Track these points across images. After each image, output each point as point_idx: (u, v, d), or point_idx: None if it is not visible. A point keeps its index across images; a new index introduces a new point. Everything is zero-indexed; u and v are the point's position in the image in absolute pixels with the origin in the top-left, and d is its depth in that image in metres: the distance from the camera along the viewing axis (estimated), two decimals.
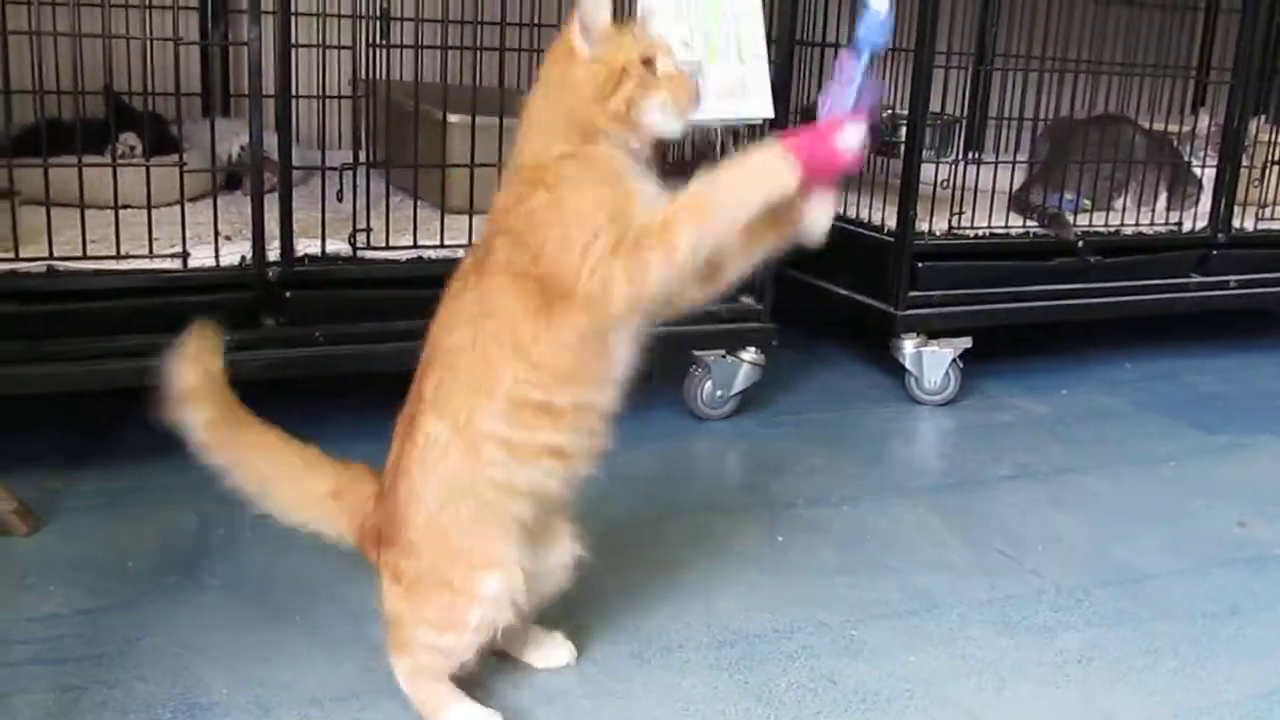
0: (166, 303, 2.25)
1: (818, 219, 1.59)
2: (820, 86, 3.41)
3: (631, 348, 1.55)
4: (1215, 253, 3.43)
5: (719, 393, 2.81)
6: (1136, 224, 3.31)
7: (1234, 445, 2.91)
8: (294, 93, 2.27)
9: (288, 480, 1.65)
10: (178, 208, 2.25)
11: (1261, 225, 3.49)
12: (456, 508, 1.53)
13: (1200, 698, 1.80)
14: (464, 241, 2.46)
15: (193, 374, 1.63)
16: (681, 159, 3.12)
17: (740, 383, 2.82)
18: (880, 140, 3.28)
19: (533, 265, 1.47)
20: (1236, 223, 3.45)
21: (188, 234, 2.25)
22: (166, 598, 1.88)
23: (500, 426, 1.51)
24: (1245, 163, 3.45)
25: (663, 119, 1.52)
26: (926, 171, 2.98)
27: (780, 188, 1.47)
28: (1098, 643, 1.94)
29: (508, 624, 1.58)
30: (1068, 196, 3.26)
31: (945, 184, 3.00)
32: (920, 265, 2.97)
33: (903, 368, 3.04)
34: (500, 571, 1.54)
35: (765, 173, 1.48)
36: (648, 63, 1.51)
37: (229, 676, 1.70)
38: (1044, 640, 1.93)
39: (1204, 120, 3.62)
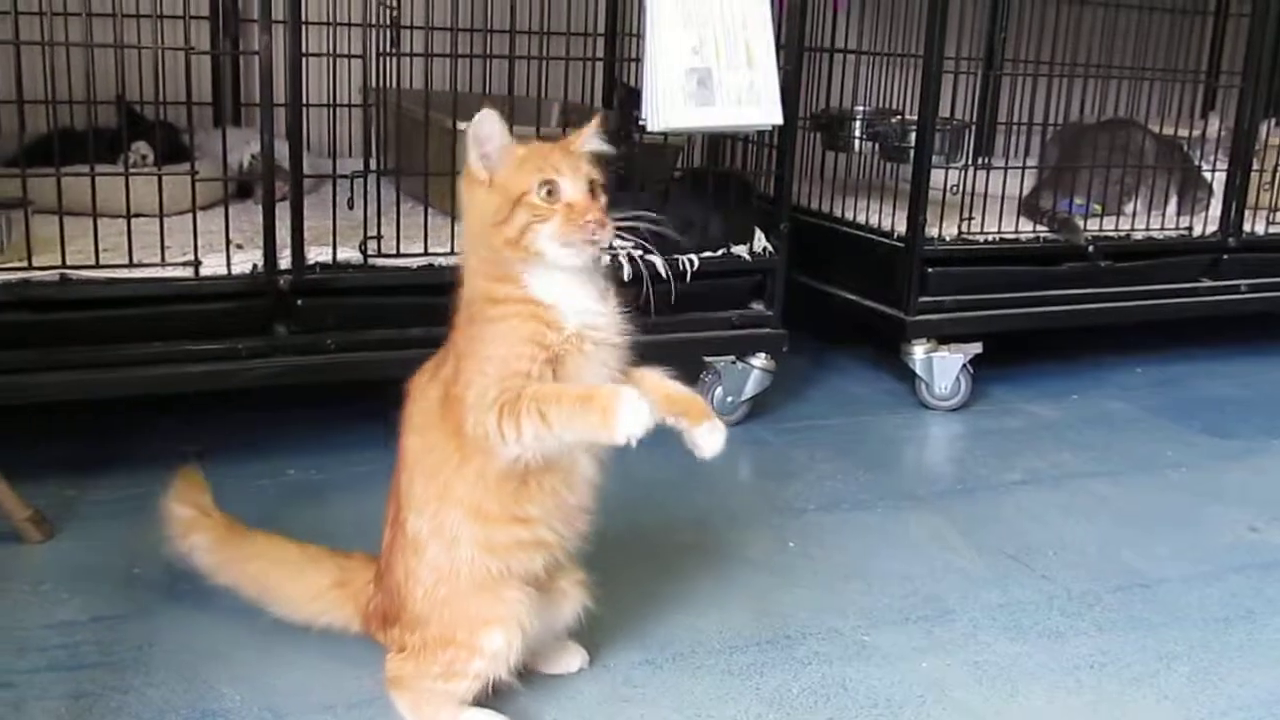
0: (179, 311, 2.26)
1: (709, 444, 1.61)
2: (829, 93, 3.42)
3: (579, 462, 1.57)
4: (1226, 257, 3.42)
5: (729, 399, 2.81)
6: (1147, 228, 3.31)
7: (1246, 450, 2.90)
8: (305, 101, 2.28)
9: (293, 580, 1.72)
10: (189, 216, 2.26)
11: (1272, 229, 3.48)
12: (452, 583, 1.57)
13: (1213, 703, 1.80)
14: None
15: (186, 512, 1.74)
16: (692, 167, 3.13)
17: (751, 389, 2.83)
18: (890, 146, 3.28)
19: (453, 387, 1.51)
20: (1247, 227, 3.45)
21: (199, 242, 2.26)
22: (180, 604, 1.88)
23: (467, 529, 1.55)
24: (1256, 167, 3.44)
25: (557, 251, 1.46)
26: (936, 177, 2.98)
27: (604, 438, 1.43)
28: (1110, 648, 1.93)
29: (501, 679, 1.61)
30: (1078, 201, 3.26)
31: (955, 189, 3.00)
32: (930, 271, 2.97)
33: (913, 373, 3.04)
34: (502, 628, 1.57)
35: (602, 417, 1.41)
36: (547, 186, 1.45)
37: (241, 683, 1.70)
38: (1056, 645, 1.93)
39: (1214, 124, 3.62)
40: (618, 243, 1.53)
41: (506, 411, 1.44)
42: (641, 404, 1.41)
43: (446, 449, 1.54)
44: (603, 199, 1.50)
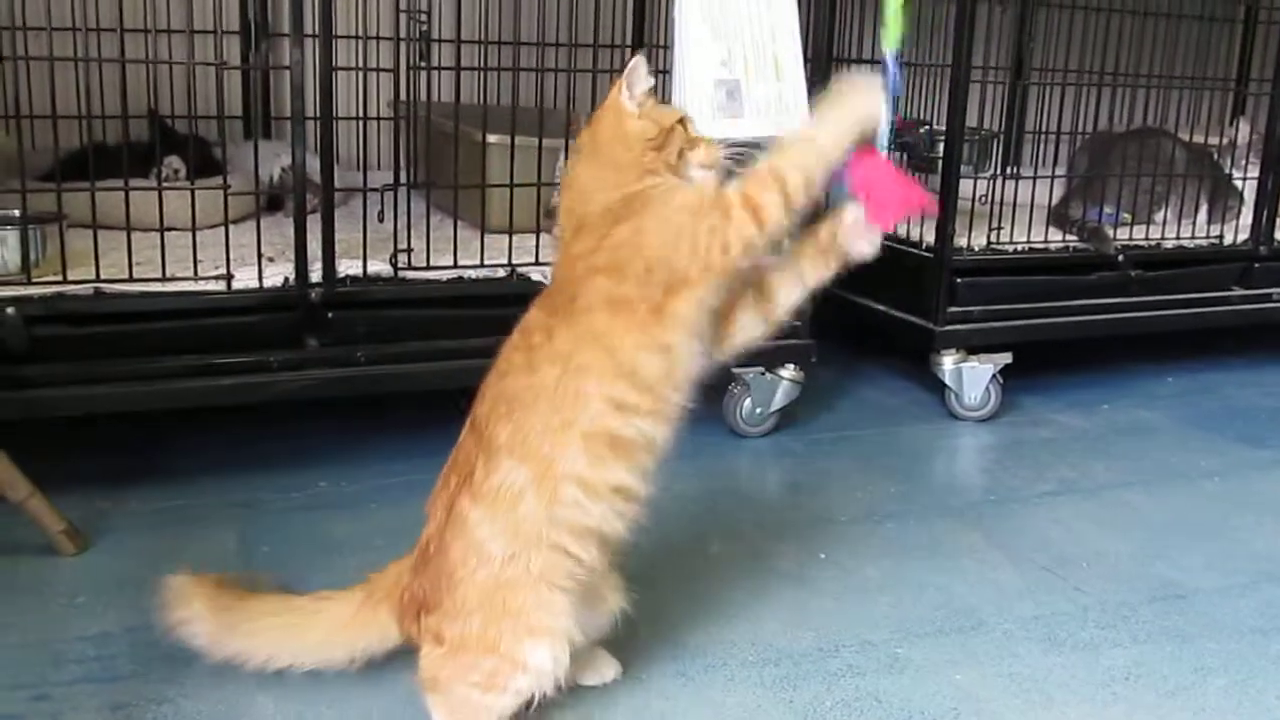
0: (211, 324, 2.28)
1: (863, 243, 1.73)
2: None
3: (700, 362, 1.63)
4: (1257, 265, 3.40)
5: (758, 410, 2.81)
6: (1177, 237, 3.30)
7: (1279, 460, 2.88)
8: (335, 115, 2.29)
9: (309, 620, 1.69)
10: (221, 230, 2.28)
11: None
12: (525, 560, 1.54)
13: (1251, 716, 1.78)
14: (503, 261, 2.47)
15: (190, 598, 1.69)
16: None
17: (779, 400, 2.82)
18: (918, 156, 3.27)
19: (642, 282, 1.56)
20: (1279, 235, 3.42)
21: (231, 256, 2.27)
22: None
23: (579, 465, 1.54)
24: None
25: (700, 174, 1.68)
26: (965, 187, 2.97)
27: (868, 119, 1.64)
28: (1145, 660, 1.92)
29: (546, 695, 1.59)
30: (1107, 210, 3.25)
31: (984, 199, 2.99)
32: (959, 281, 2.97)
33: (942, 384, 3.03)
34: (549, 641, 1.55)
35: (852, 107, 1.64)
36: (683, 124, 1.68)
37: (275, 695, 1.71)
38: (1090, 658, 1.92)
39: (1244, 131, 3.60)
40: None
41: (748, 194, 1.58)
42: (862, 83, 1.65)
43: (601, 355, 1.54)
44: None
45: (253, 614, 1.68)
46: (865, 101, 1.65)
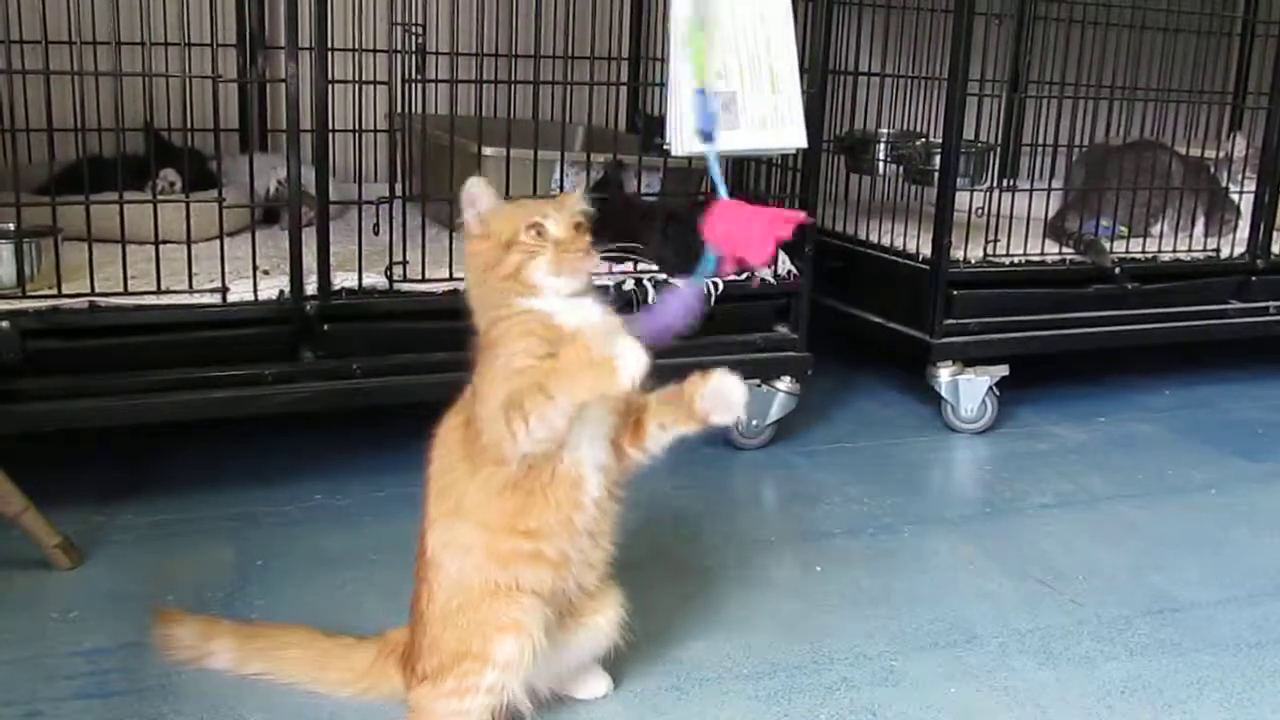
0: (206, 337, 2.27)
1: (722, 414, 1.61)
2: (853, 116, 3.42)
3: (588, 479, 1.60)
4: (1254, 278, 3.40)
5: (754, 422, 2.81)
6: (1174, 250, 3.30)
7: (1276, 473, 2.88)
8: (331, 127, 2.29)
9: (334, 664, 1.74)
10: (217, 243, 2.28)
11: None
12: (464, 595, 1.59)
13: None
14: None
15: (190, 630, 1.77)
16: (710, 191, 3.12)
17: (776, 412, 2.82)
18: (915, 169, 3.27)
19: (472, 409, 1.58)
20: (1276, 248, 3.43)
21: (227, 269, 2.27)
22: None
23: (477, 537, 1.58)
24: None
25: (550, 280, 1.57)
26: (961, 199, 2.98)
27: (610, 386, 1.46)
28: (1140, 674, 1.91)
29: (514, 694, 1.60)
30: (1104, 223, 3.25)
31: (980, 211, 2.99)
32: (956, 293, 2.97)
33: (939, 396, 3.03)
34: (514, 635, 1.57)
35: (600, 368, 1.45)
36: (535, 228, 1.57)
37: (268, 710, 1.70)
38: (1086, 671, 1.92)
39: (1240, 145, 3.60)
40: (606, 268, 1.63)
41: (513, 404, 1.49)
42: (635, 344, 1.45)
43: (460, 468, 1.59)
44: (588, 235, 1.61)
45: (279, 644, 1.76)
46: (616, 364, 1.45)
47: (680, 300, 1.67)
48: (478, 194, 1.60)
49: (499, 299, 1.58)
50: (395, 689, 1.69)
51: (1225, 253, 3.37)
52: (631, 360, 1.44)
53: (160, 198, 2.30)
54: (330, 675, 1.73)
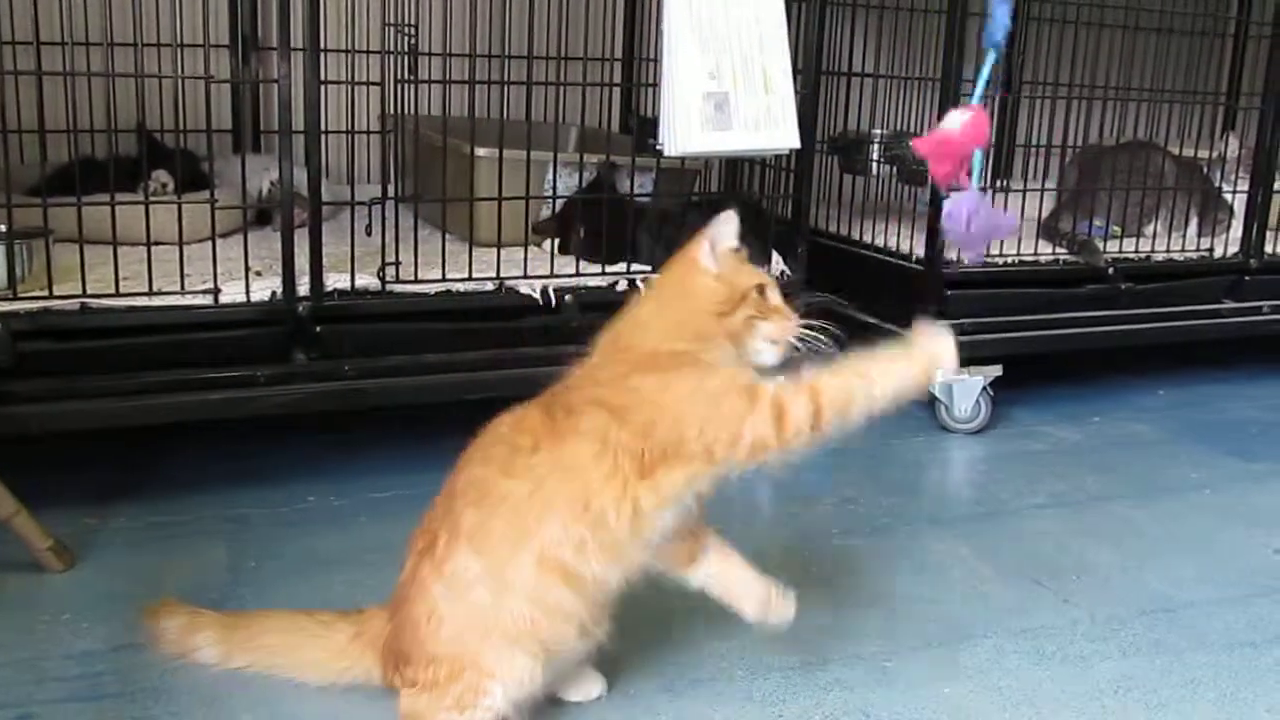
0: (198, 339, 2.27)
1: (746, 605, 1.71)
2: (847, 116, 3.42)
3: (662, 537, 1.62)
4: (1247, 278, 3.40)
5: None
6: (1167, 250, 3.30)
7: (1270, 472, 2.88)
8: (323, 128, 2.29)
9: (312, 642, 1.71)
10: (209, 244, 2.27)
11: None
12: (484, 631, 1.56)
13: None
14: (491, 274, 2.47)
15: (177, 621, 1.75)
16: (709, 191, 3.13)
17: None
18: (908, 168, 3.28)
19: (641, 436, 1.53)
20: (1269, 248, 3.43)
21: (219, 270, 2.27)
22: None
23: (529, 583, 1.54)
24: (1277, 188, 3.42)
25: (766, 348, 1.62)
26: None
27: (932, 376, 1.61)
28: (1134, 673, 1.91)
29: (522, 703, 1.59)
30: (1097, 223, 3.25)
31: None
32: (950, 293, 2.97)
33: (933, 396, 3.03)
34: (529, 660, 1.56)
35: (926, 360, 1.60)
36: (761, 290, 1.61)
37: (263, 712, 1.69)
38: (1079, 671, 1.91)
39: (1233, 145, 3.61)
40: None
41: (807, 397, 1.53)
42: (940, 334, 1.59)
43: (575, 490, 1.54)
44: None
45: (259, 630, 1.73)
46: (934, 357, 1.60)
47: (970, 208, 1.68)
48: (728, 233, 1.61)
49: (703, 338, 1.59)
50: (370, 677, 1.67)
51: (1219, 253, 3.38)
52: (952, 348, 1.59)
53: (152, 199, 2.30)
54: (308, 656, 1.70)
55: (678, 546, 1.67)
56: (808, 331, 1.63)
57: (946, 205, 1.69)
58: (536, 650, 1.56)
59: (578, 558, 1.54)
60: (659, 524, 1.57)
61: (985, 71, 1.72)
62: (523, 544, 1.54)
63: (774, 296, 1.62)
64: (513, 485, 1.55)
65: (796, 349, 1.62)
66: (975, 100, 1.69)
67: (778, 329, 1.61)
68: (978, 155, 1.68)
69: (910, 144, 1.66)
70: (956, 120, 1.67)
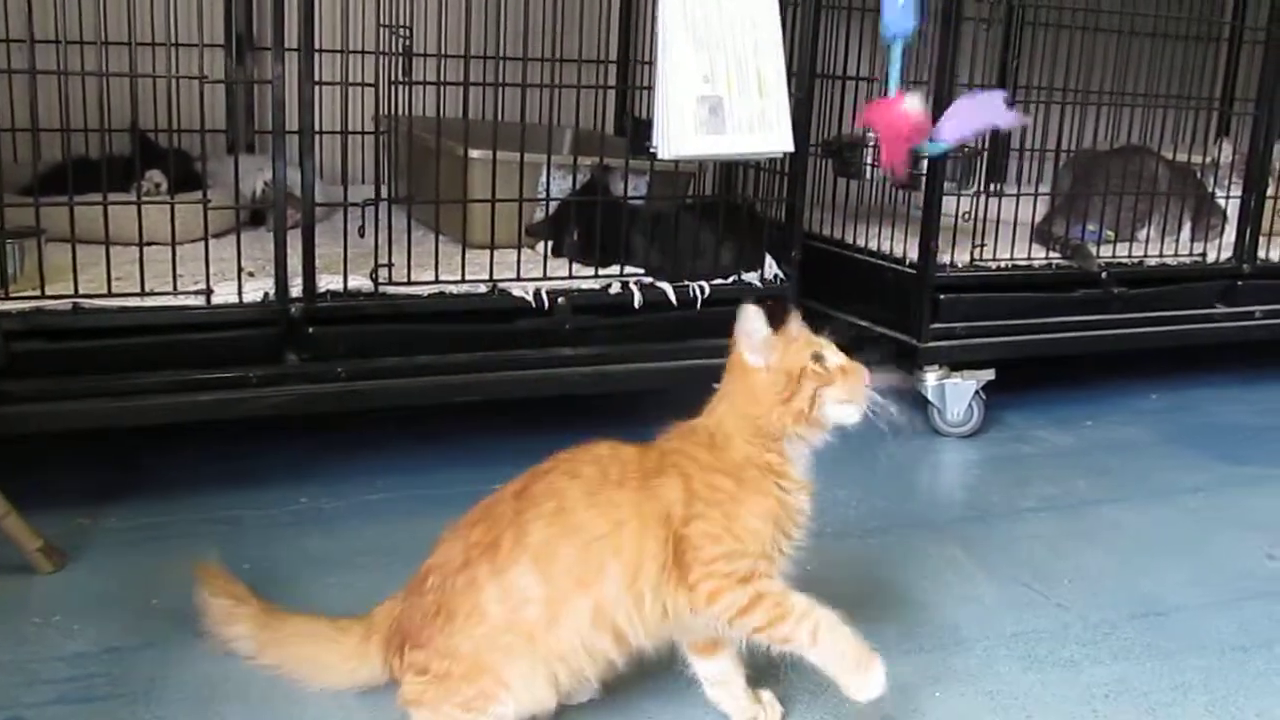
0: (190, 339, 2.26)
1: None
2: (841, 120, 3.42)
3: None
4: (1240, 283, 3.41)
5: None
6: (1160, 255, 3.31)
7: (1262, 476, 2.88)
8: (317, 129, 2.29)
9: (329, 647, 1.70)
10: (201, 244, 2.27)
11: None
12: (515, 644, 1.55)
13: None
14: (485, 276, 2.47)
15: (224, 603, 1.72)
16: (702, 194, 3.13)
17: None
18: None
19: (683, 525, 1.56)
20: (1261, 253, 3.44)
21: (211, 270, 2.26)
22: (192, 634, 1.87)
23: (583, 626, 1.55)
24: (1270, 193, 3.43)
25: (842, 410, 1.61)
26: (948, 204, 2.98)
27: (849, 686, 1.60)
28: (1126, 677, 1.92)
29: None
30: (1090, 228, 3.26)
31: (967, 216, 2.99)
32: (943, 297, 2.97)
33: (926, 400, 3.03)
34: (546, 680, 1.56)
35: (863, 672, 1.60)
36: (817, 359, 1.60)
37: (254, 715, 1.69)
38: (1071, 675, 1.92)
39: (1227, 150, 3.62)
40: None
41: (767, 601, 1.57)
42: (883, 674, 1.60)
43: (631, 554, 1.55)
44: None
45: (285, 637, 1.71)
46: (867, 675, 1.61)
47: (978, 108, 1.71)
48: (756, 325, 1.60)
49: (774, 431, 1.60)
50: (376, 673, 1.66)
51: (1211, 257, 3.38)
52: (881, 686, 1.59)
53: (145, 199, 2.30)
54: (323, 659, 1.69)
55: (704, 634, 1.68)
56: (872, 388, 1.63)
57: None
58: (560, 680, 1.57)
59: (628, 622, 1.56)
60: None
61: (894, 63, 1.83)
62: (585, 588, 1.54)
63: (834, 358, 1.62)
64: (589, 519, 1.55)
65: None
66: (891, 93, 1.79)
67: (846, 390, 1.60)
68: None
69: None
70: (916, 105, 1.72)
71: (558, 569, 1.54)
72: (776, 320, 1.64)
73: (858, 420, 1.61)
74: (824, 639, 1.58)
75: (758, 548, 1.58)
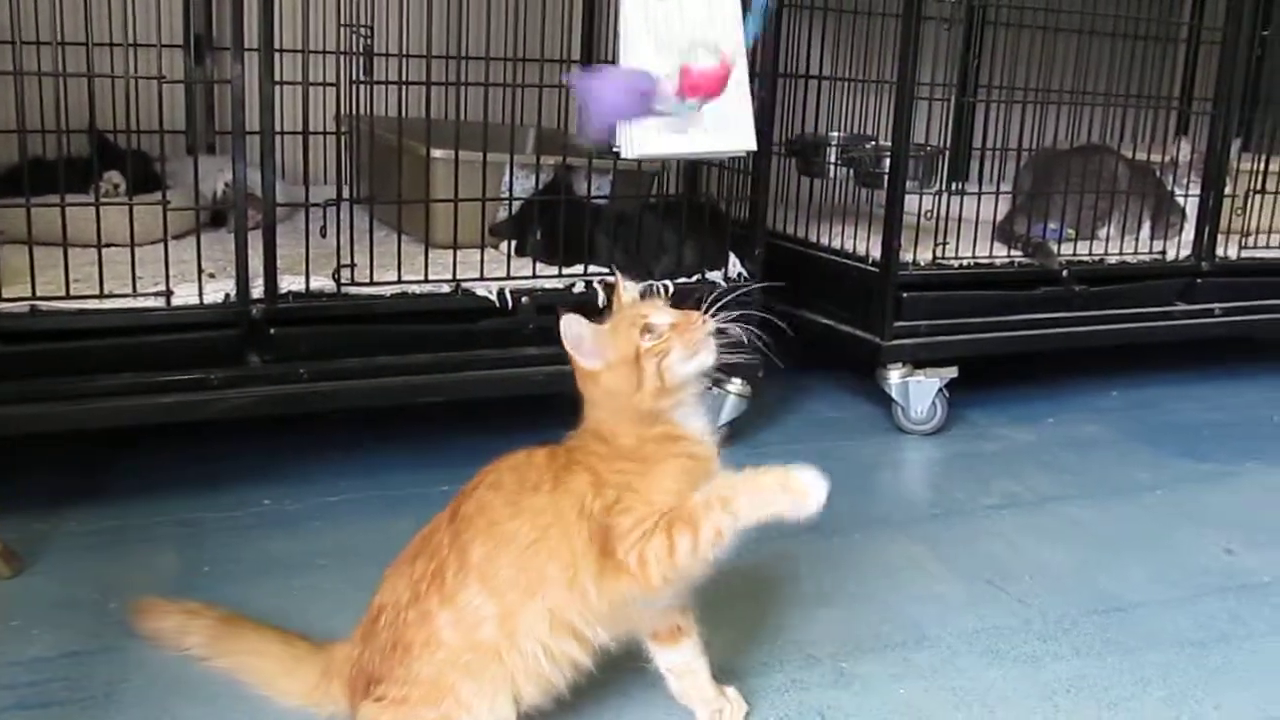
0: (150, 341, 2.25)
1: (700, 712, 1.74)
2: (804, 119, 3.44)
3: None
4: (1199, 281, 3.44)
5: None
6: (1120, 253, 3.33)
7: (1220, 473, 2.91)
8: (278, 129, 2.27)
9: (286, 675, 1.69)
10: (161, 246, 2.25)
11: (1245, 253, 3.50)
12: (472, 665, 1.54)
13: None
14: (448, 276, 2.46)
15: (172, 621, 1.73)
16: (665, 193, 3.13)
17: (727, 414, 2.82)
18: (864, 172, 3.29)
19: (601, 515, 1.54)
20: (1220, 251, 3.47)
21: (171, 272, 2.25)
22: (150, 639, 1.86)
23: (542, 631, 1.54)
24: (1228, 191, 3.46)
25: (693, 364, 1.57)
26: (911, 202, 2.99)
27: (799, 510, 1.55)
28: (1086, 672, 1.93)
29: None
30: (1052, 226, 3.28)
31: (929, 215, 3.01)
32: (905, 296, 2.98)
33: (889, 398, 3.04)
34: (507, 698, 1.56)
35: (794, 493, 1.56)
36: (647, 331, 1.56)
37: (214, 718, 1.68)
38: (1032, 670, 1.93)
39: (1185, 149, 3.65)
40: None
41: (682, 519, 1.52)
42: (818, 473, 1.56)
43: (564, 556, 1.54)
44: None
45: (240, 650, 1.70)
46: (806, 491, 1.57)
47: (623, 83, 1.69)
48: (579, 331, 1.56)
49: (645, 414, 1.57)
50: (335, 708, 1.65)
51: (1171, 255, 3.41)
52: (821, 487, 1.55)
53: (104, 200, 2.28)
54: (280, 683, 1.69)
55: (664, 620, 1.68)
56: (719, 324, 1.59)
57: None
58: (525, 694, 1.56)
59: (583, 620, 1.55)
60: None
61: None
62: (533, 595, 1.53)
63: (663, 319, 1.57)
64: (517, 527, 1.55)
65: (724, 341, 1.59)
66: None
67: (686, 346, 1.56)
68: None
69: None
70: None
71: (502, 583, 1.53)
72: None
73: (713, 361, 1.58)
74: (740, 505, 1.53)
75: (668, 502, 1.54)
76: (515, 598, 1.53)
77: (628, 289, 1.65)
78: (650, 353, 1.55)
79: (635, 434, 1.58)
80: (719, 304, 1.61)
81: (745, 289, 2.49)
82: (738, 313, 1.60)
